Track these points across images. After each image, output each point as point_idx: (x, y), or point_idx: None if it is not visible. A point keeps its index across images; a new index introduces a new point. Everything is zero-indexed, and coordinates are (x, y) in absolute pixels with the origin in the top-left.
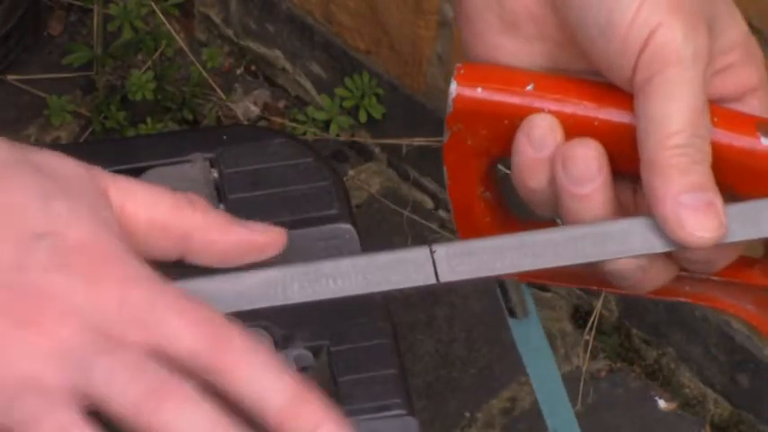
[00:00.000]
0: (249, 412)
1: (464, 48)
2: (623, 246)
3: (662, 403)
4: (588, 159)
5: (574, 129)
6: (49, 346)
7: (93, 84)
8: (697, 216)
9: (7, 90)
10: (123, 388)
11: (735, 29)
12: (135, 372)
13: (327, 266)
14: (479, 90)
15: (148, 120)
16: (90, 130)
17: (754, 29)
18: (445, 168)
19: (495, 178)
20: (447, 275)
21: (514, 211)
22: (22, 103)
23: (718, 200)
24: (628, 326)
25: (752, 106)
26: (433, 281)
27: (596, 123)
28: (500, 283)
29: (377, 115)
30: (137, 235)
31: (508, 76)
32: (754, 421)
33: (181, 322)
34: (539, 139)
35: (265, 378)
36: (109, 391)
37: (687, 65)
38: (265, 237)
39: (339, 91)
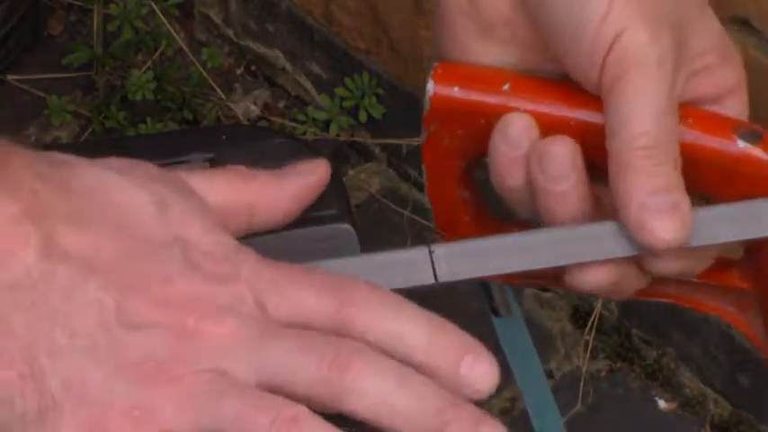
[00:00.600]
0: (394, 356)
1: (439, 51)
2: (623, 245)
3: (662, 403)
4: (563, 157)
5: (550, 128)
6: (219, 346)
7: (93, 84)
8: (661, 219)
9: (7, 90)
10: (304, 366)
11: (709, 32)
12: (307, 349)
13: (326, 267)
14: (456, 89)
15: (148, 120)
16: (90, 130)
17: (753, 29)
18: (424, 168)
19: (473, 178)
20: (446, 275)
21: (494, 210)
22: (22, 103)
23: (684, 202)
24: (628, 326)
25: (730, 108)
26: (432, 281)
27: (572, 123)
28: (483, 282)
29: (377, 115)
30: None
31: (484, 75)
32: (754, 421)
33: (311, 293)
34: (514, 138)
35: (401, 317)
36: (291, 373)
37: (651, 68)
38: (316, 176)
39: (339, 91)
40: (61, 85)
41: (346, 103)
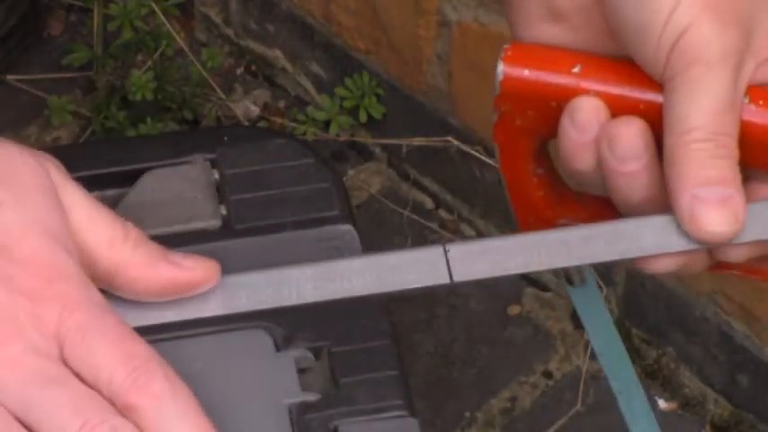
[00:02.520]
0: None
1: (510, 30)
2: (634, 245)
3: (662, 403)
4: (633, 137)
5: (620, 110)
6: None
7: (93, 84)
8: (711, 210)
9: (7, 90)
10: (64, 424)
11: None
12: (73, 409)
13: (341, 266)
14: (526, 71)
15: (148, 120)
16: (90, 130)
17: None
18: (496, 146)
19: (546, 155)
20: (461, 275)
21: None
22: (22, 103)
23: (737, 196)
24: (628, 326)
25: None
26: (447, 280)
27: (642, 105)
28: None
29: (377, 115)
30: None
31: (555, 57)
32: (754, 421)
33: (109, 354)
34: (583, 123)
35: (176, 426)
36: (49, 422)
37: (712, 64)
38: (195, 274)
39: (339, 91)
40: (61, 85)
41: (346, 103)
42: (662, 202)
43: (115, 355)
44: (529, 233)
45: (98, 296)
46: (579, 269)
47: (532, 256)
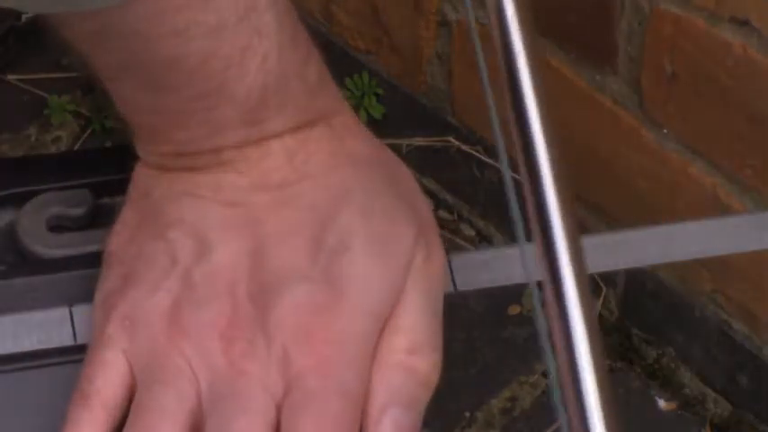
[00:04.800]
0: None
1: None
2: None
3: (662, 403)
4: None
5: None
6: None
7: (93, 84)
8: None
9: (7, 90)
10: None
11: None
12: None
13: None
14: None
15: None
16: (90, 130)
17: (753, 29)
18: None
19: None
20: (465, 284)
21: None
22: (23, 103)
23: None
24: (628, 326)
25: None
26: (451, 289)
27: None
28: None
29: (377, 115)
30: None
31: None
32: (754, 421)
33: None
34: None
35: None
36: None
37: None
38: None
39: None
40: (61, 84)
41: None
42: None
43: None
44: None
45: (354, 384)
46: None
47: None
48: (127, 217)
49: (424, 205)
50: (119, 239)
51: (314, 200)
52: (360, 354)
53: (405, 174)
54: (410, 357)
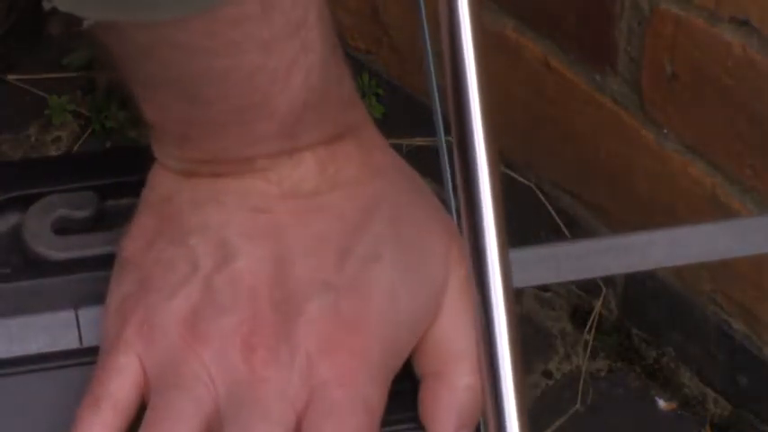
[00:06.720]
0: None
1: None
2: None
3: (662, 403)
4: None
5: None
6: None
7: (94, 84)
8: None
9: (7, 90)
10: None
11: None
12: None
13: None
14: None
15: None
16: (90, 130)
17: (753, 29)
18: None
19: None
20: None
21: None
22: (23, 103)
23: None
24: (628, 326)
25: None
26: None
27: None
28: None
29: (377, 115)
30: None
31: None
32: (754, 421)
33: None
34: None
35: None
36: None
37: None
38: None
39: None
40: (61, 84)
41: None
42: None
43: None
44: (537, 246)
45: (376, 398)
46: None
47: (542, 270)
48: (144, 222)
49: (447, 216)
50: (135, 244)
51: (343, 210)
52: (384, 367)
53: (425, 185)
54: (472, 378)
